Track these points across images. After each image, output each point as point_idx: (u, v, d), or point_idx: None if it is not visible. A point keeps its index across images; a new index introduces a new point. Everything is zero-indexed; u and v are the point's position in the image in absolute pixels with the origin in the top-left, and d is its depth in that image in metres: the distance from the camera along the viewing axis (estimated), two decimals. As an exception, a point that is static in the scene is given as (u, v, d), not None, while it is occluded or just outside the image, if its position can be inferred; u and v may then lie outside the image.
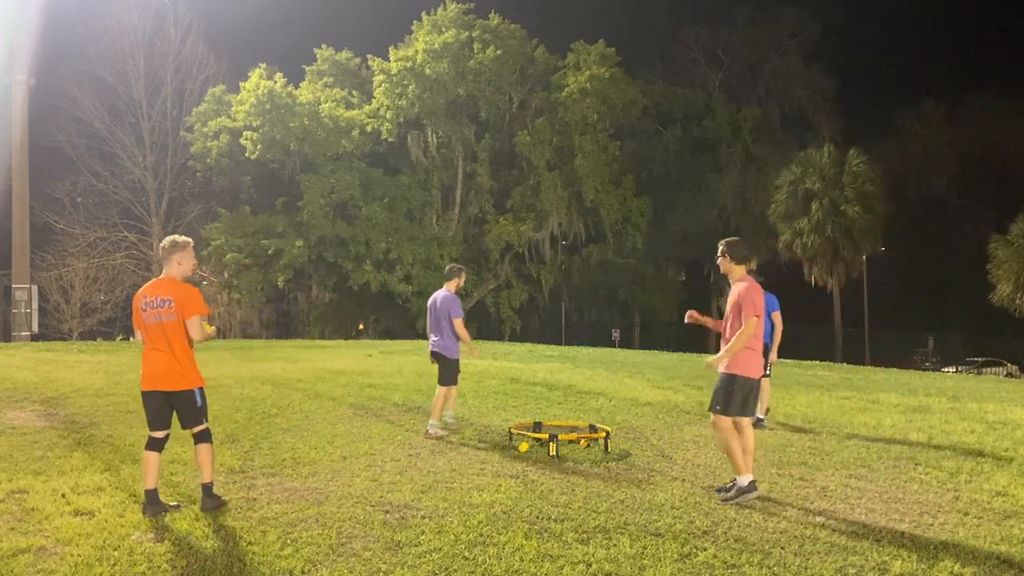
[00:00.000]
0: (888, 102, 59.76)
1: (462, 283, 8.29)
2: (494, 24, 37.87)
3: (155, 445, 5.06)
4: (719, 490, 5.70)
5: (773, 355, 8.89)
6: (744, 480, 5.54)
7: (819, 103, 44.94)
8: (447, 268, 8.38)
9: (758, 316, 5.54)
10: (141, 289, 5.18)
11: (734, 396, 5.58)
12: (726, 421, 5.60)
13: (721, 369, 5.65)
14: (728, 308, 5.77)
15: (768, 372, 8.98)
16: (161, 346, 5.01)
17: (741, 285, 5.69)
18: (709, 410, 5.77)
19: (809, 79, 44.64)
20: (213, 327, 5.36)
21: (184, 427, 5.12)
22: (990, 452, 7.39)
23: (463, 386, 11.44)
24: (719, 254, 5.88)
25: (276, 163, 35.21)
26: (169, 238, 5.21)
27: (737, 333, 5.56)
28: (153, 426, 5.08)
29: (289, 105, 34.52)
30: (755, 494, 5.51)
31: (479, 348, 8.00)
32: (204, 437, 5.11)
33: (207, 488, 5.10)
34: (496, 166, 38.84)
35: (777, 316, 8.71)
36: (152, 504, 4.96)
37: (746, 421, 5.71)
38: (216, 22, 55.95)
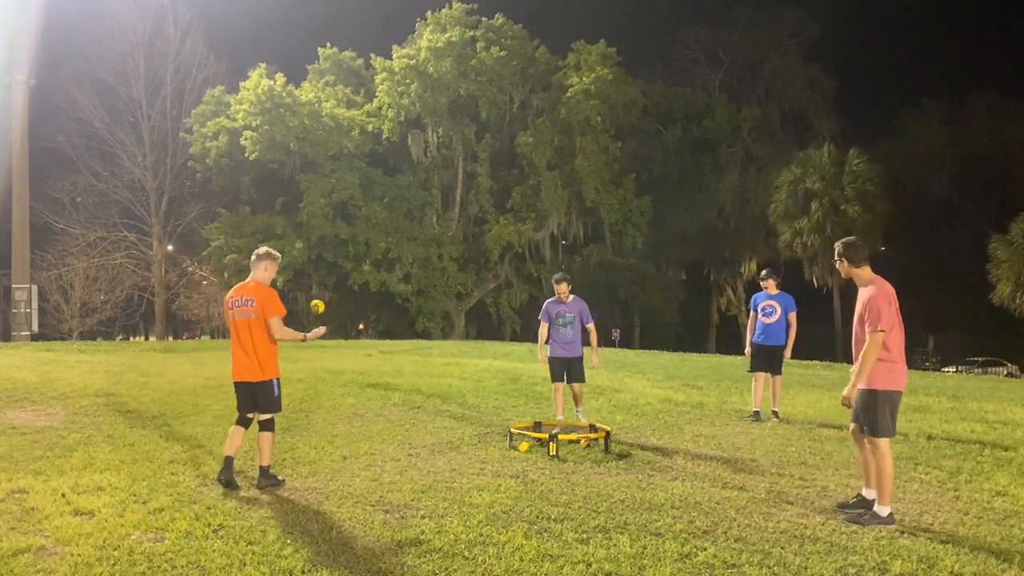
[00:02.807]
0: (888, 102, 59.92)
1: (558, 290, 8.79)
2: (498, 24, 37.87)
3: (243, 422, 5.90)
4: (842, 505, 5.31)
5: (788, 352, 9.19)
6: (884, 511, 5.05)
7: (819, 103, 44.87)
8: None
9: (882, 330, 5.01)
10: (230, 291, 6.02)
11: (881, 413, 5.07)
12: (885, 443, 5.08)
13: (861, 386, 5.16)
14: (855, 316, 5.25)
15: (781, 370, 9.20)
16: (245, 342, 5.78)
17: (866, 291, 5.18)
18: (863, 434, 5.23)
19: (809, 79, 44.57)
20: (320, 305, 6.17)
21: (258, 411, 5.84)
22: (990, 452, 7.39)
23: (463, 385, 11.44)
24: (836, 258, 5.40)
25: (276, 163, 35.17)
26: (263, 247, 6.07)
27: (862, 351, 5.09)
28: (241, 410, 5.92)
29: (289, 104, 34.48)
30: (893, 527, 5.00)
31: (543, 351, 8.95)
32: (268, 426, 5.81)
33: (264, 470, 5.74)
34: (496, 166, 38.81)
35: (793, 316, 9.24)
36: (226, 469, 5.70)
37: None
38: (216, 22, 56.01)
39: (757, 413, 9.23)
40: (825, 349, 32.62)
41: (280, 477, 5.90)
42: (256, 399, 5.82)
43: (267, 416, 5.82)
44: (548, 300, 8.92)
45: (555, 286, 8.80)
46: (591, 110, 35.70)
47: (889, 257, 39.00)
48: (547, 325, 8.79)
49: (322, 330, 6.22)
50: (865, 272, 5.30)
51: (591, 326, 8.85)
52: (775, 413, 9.23)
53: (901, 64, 65.84)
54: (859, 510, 5.23)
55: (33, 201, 26.84)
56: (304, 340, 5.96)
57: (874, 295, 5.13)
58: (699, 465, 6.71)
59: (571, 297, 8.79)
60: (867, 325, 5.08)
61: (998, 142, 41.58)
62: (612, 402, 10.38)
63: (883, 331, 5.02)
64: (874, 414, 5.10)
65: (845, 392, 5.27)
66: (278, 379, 5.86)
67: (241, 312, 5.78)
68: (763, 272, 9.67)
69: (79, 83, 37.43)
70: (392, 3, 65.61)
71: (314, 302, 6.11)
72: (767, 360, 9.28)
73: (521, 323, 39.30)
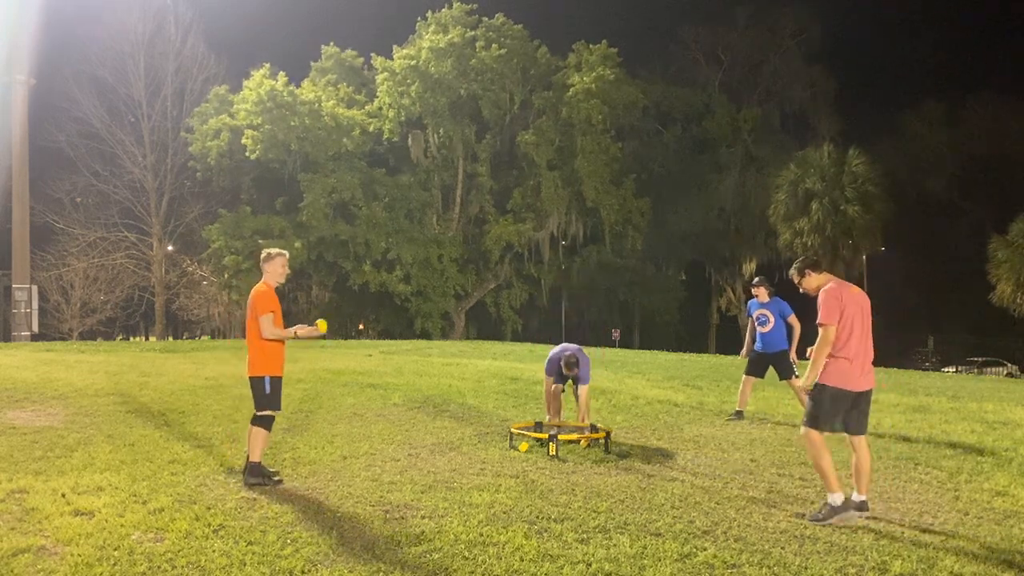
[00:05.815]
0: (888, 102, 59.86)
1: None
2: (498, 23, 37.87)
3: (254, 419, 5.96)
4: (810, 517, 5.15)
5: (793, 355, 9.14)
6: (835, 499, 5.11)
7: (819, 103, 44.88)
8: None
9: (822, 323, 5.18)
10: None
11: (822, 407, 5.21)
12: (815, 435, 5.22)
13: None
14: None
15: (797, 373, 9.06)
16: (247, 339, 6.01)
17: (821, 291, 5.38)
18: (847, 434, 5.33)
19: (809, 79, 44.55)
20: (323, 325, 6.11)
21: (255, 407, 5.92)
22: (990, 452, 7.38)
23: (463, 385, 11.44)
24: (800, 278, 5.55)
25: (276, 163, 35.16)
26: (266, 249, 6.21)
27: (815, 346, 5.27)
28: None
29: (291, 104, 34.48)
30: (852, 514, 5.09)
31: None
32: (261, 422, 5.85)
33: (252, 466, 5.76)
34: (496, 166, 38.78)
35: (792, 319, 9.20)
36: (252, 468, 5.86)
37: (859, 440, 5.31)
38: (217, 22, 55.98)
39: (739, 413, 9.24)
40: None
41: (278, 477, 5.90)
42: (252, 394, 5.96)
43: (262, 412, 5.87)
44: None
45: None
46: (592, 110, 35.68)
47: (889, 257, 39.08)
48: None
49: (316, 330, 6.04)
50: (823, 277, 5.48)
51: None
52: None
53: (901, 64, 65.87)
54: (858, 513, 5.20)
55: (33, 201, 26.83)
56: (295, 336, 5.96)
57: (826, 291, 5.32)
58: (699, 465, 6.71)
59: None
60: (817, 320, 5.31)
61: (998, 142, 41.59)
62: (612, 402, 10.37)
63: (824, 324, 5.20)
64: (816, 405, 5.25)
65: (802, 383, 5.51)
66: (272, 377, 5.88)
67: (247, 312, 6.08)
68: (755, 280, 9.62)
69: (79, 83, 37.46)
70: (392, 3, 65.65)
71: (318, 321, 6.12)
72: (767, 367, 9.27)
73: (521, 323, 39.31)
